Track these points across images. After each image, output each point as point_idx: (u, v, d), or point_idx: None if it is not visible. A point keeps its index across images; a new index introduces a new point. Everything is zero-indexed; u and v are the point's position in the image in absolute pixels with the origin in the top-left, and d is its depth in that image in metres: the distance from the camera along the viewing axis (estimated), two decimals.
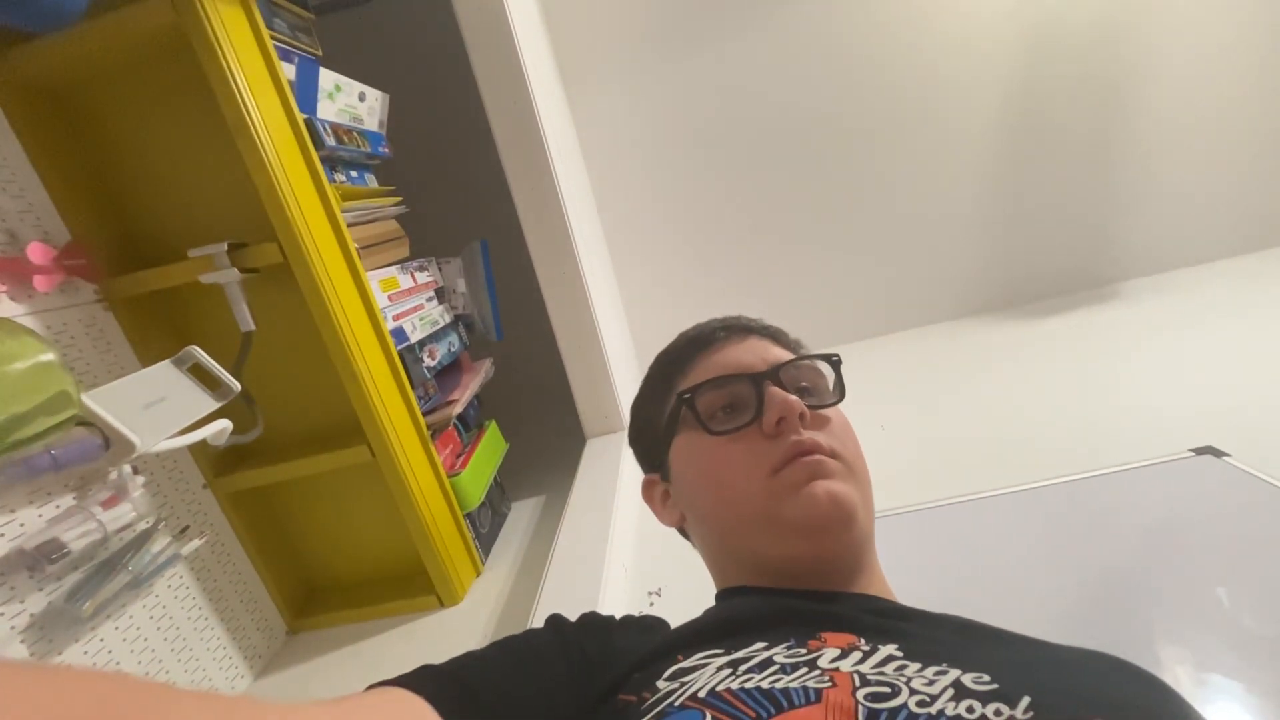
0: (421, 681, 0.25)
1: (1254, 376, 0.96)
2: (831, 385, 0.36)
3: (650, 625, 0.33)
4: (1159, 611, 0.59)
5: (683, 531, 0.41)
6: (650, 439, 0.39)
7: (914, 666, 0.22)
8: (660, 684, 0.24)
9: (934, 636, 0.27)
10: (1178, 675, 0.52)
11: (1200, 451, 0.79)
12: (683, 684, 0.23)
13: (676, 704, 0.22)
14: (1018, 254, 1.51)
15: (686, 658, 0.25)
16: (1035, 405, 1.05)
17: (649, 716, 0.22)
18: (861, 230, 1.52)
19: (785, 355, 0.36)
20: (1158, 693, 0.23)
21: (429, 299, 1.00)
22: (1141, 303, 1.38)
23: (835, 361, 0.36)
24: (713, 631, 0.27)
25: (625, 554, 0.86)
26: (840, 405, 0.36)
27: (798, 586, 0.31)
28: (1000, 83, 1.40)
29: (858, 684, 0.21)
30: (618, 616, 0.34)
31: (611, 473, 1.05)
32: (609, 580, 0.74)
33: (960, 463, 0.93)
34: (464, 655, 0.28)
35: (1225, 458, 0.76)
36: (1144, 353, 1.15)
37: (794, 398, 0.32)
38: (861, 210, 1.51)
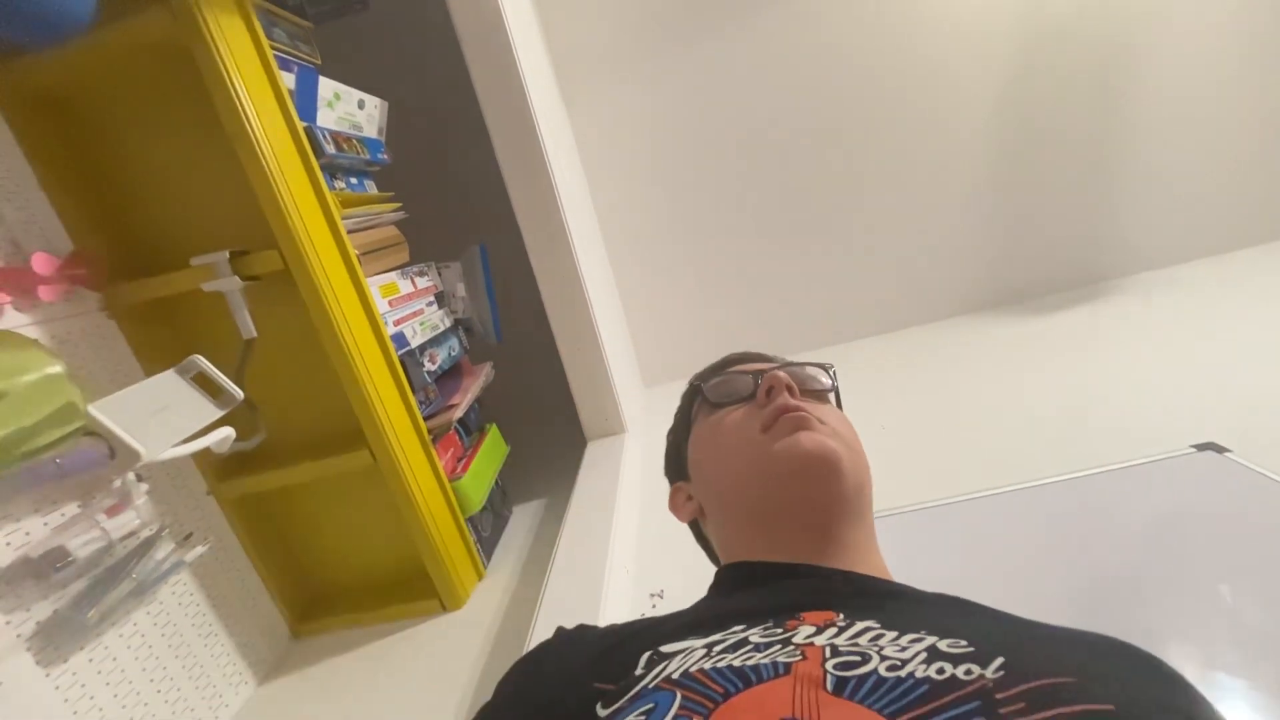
0: None
1: (1255, 372, 0.96)
2: (826, 384, 0.40)
3: (614, 628, 0.33)
4: (1162, 608, 0.59)
5: (697, 530, 0.44)
6: (676, 445, 0.44)
7: (890, 635, 0.22)
8: (638, 671, 0.24)
9: (918, 610, 0.27)
10: (1182, 672, 0.52)
11: (1202, 448, 0.79)
12: (660, 668, 0.23)
13: (650, 686, 0.22)
14: (1017, 251, 1.51)
15: (666, 644, 0.26)
16: (1036, 402, 1.05)
17: (625, 698, 0.22)
18: (860, 228, 1.52)
19: None
20: (1148, 669, 0.23)
21: (429, 304, 1.00)
22: (1141, 298, 1.38)
23: (829, 367, 0.42)
24: (696, 620, 0.28)
25: (627, 556, 0.86)
26: (842, 410, 0.41)
27: (794, 559, 0.32)
28: (997, 80, 1.40)
29: (828, 655, 0.21)
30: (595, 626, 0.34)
31: (612, 475, 1.05)
32: (611, 582, 0.74)
33: (961, 461, 0.93)
34: None
35: (1227, 453, 0.76)
36: (1145, 349, 1.15)
37: (782, 373, 0.36)
38: (860, 208, 1.51)
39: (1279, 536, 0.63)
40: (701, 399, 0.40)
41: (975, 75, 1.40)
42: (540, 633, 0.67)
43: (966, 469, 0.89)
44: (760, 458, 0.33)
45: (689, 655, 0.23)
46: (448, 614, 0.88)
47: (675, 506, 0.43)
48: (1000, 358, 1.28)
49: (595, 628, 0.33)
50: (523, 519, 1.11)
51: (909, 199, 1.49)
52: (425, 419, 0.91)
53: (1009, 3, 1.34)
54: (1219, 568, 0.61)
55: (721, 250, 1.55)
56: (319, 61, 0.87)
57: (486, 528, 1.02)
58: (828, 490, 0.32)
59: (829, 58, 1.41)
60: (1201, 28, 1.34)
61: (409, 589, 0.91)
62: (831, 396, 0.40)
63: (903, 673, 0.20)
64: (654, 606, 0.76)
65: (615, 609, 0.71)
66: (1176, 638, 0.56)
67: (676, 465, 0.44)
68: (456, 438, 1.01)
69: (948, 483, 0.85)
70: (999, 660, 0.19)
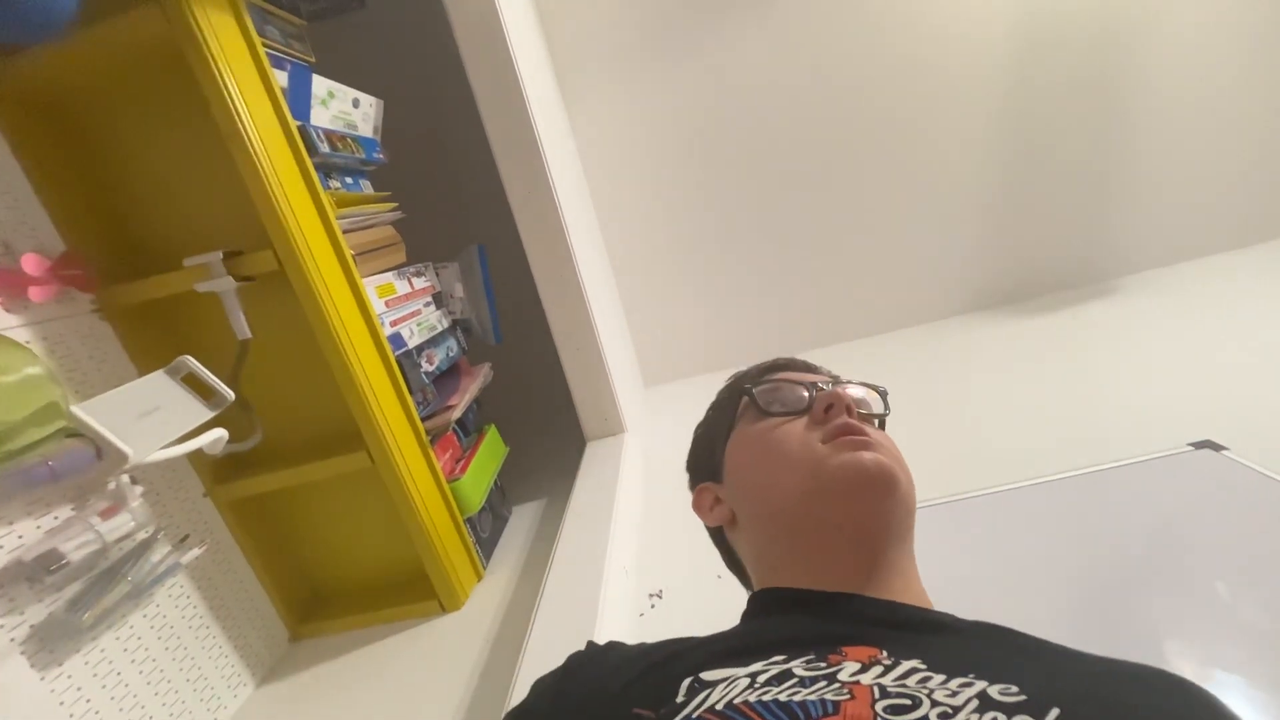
0: None
1: (1252, 370, 0.96)
2: (879, 410, 0.40)
3: (646, 649, 0.33)
4: (1159, 606, 0.59)
5: (721, 540, 0.43)
6: (709, 444, 0.42)
7: (938, 678, 0.22)
8: (679, 699, 0.24)
9: (963, 647, 0.26)
10: (1179, 670, 0.52)
11: (1199, 446, 0.79)
12: (702, 697, 0.23)
13: (693, 717, 0.22)
14: (1015, 250, 1.51)
15: (706, 670, 0.25)
16: (1033, 401, 1.05)
17: None
18: (859, 228, 1.52)
19: None
20: (1203, 707, 0.22)
21: (426, 304, 1.00)
22: (1139, 298, 1.38)
23: (883, 391, 0.40)
24: (735, 647, 0.27)
25: (626, 556, 0.86)
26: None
27: (834, 588, 0.31)
28: (996, 81, 1.40)
29: (877, 696, 0.21)
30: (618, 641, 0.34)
31: (612, 475, 1.05)
32: (610, 583, 0.74)
33: (958, 460, 0.93)
34: None
35: (1224, 451, 0.76)
36: (1142, 347, 1.15)
37: (842, 390, 0.36)
38: (859, 208, 1.51)
39: (1276, 534, 0.63)
40: (750, 402, 0.39)
41: (975, 77, 1.40)
42: (539, 633, 0.66)
43: (965, 468, 0.89)
44: (818, 473, 0.32)
45: (732, 685, 0.23)
46: (447, 615, 0.88)
47: (701, 508, 0.42)
48: (999, 357, 1.29)
49: (626, 645, 0.33)
50: (522, 520, 1.11)
51: (909, 199, 1.49)
52: (423, 420, 0.90)
53: (1008, 5, 1.34)
54: (1216, 565, 0.61)
55: (721, 250, 1.55)
56: (313, 60, 0.86)
57: (485, 528, 1.01)
58: (882, 510, 0.31)
59: (828, 58, 1.40)
60: (1200, 28, 1.34)
61: (408, 590, 0.91)
62: (876, 421, 0.39)
63: None
64: (653, 606, 0.76)
65: (614, 610, 0.71)
66: (1174, 635, 0.56)
67: (708, 465, 0.42)
68: (455, 438, 1.00)
69: (946, 482, 0.85)
70: (1054, 713, 0.19)
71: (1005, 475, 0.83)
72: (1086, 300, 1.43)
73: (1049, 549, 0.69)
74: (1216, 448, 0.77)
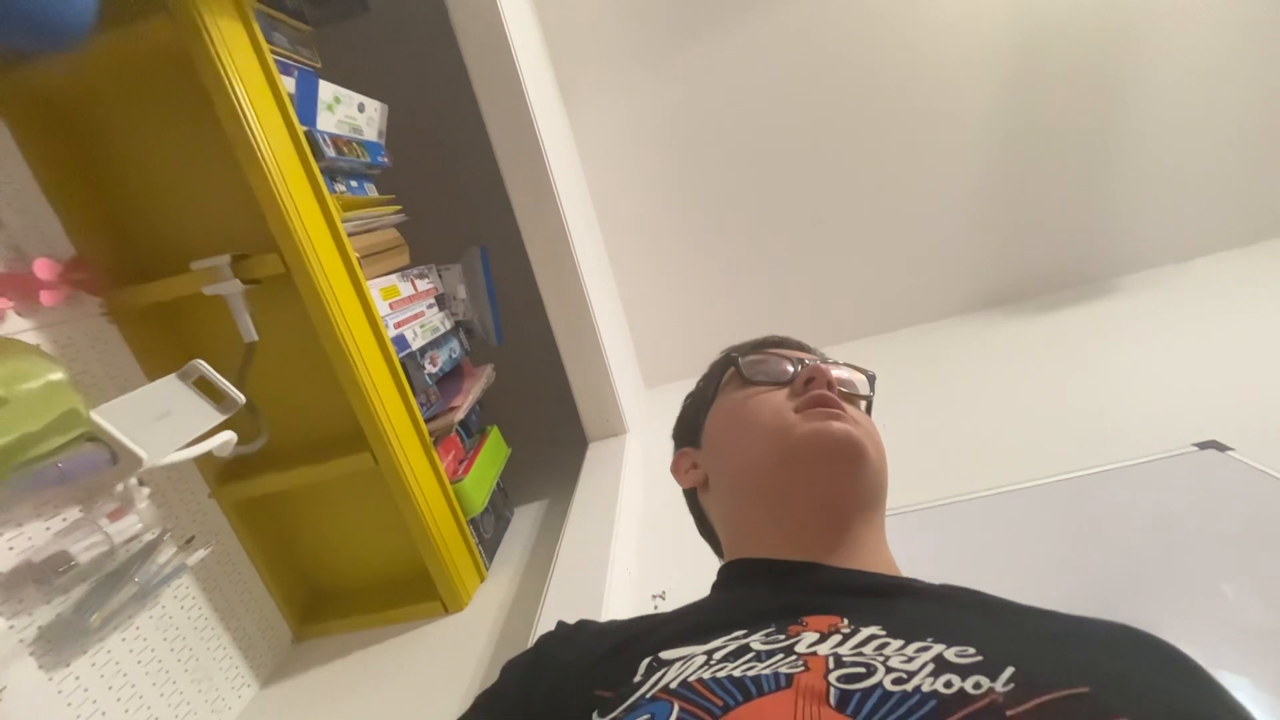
0: None
1: (1257, 370, 0.96)
2: (864, 391, 0.40)
3: (616, 625, 0.33)
4: (1163, 607, 0.59)
5: (695, 503, 0.43)
6: (694, 411, 0.43)
7: (895, 644, 0.22)
8: (636, 679, 0.24)
9: (924, 610, 0.27)
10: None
11: (1204, 446, 0.78)
12: (658, 676, 0.23)
13: (648, 696, 0.22)
14: (1017, 250, 1.51)
15: (666, 649, 0.25)
16: (1037, 402, 1.05)
17: (622, 708, 0.22)
18: (860, 228, 1.52)
19: None
20: (1168, 662, 0.22)
21: (429, 306, 1.00)
22: (1142, 297, 1.38)
23: (871, 375, 0.41)
24: (699, 623, 0.28)
25: (629, 557, 0.86)
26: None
27: (800, 557, 0.31)
28: (997, 79, 1.40)
29: (831, 666, 0.21)
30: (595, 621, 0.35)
31: (614, 476, 1.05)
32: (613, 583, 0.74)
33: (962, 461, 0.92)
34: None
35: (1229, 452, 0.76)
36: (1146, 347, 1.14)
37: (825, 366, 0.36)
38: (859, 208, 1.51)
39: None
40: (735, 371, 0.40)
41: (974, 74, 1.40)
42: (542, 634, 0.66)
43: (968, 469, 0.89)
44: (786, 439, 0.33)
45: (688, 663, 0.23)
46: (450, 616, 0.88)
47: (677, 471, 0.43)
48: (1000, 357, 1.28)
49: (596, 623, 0.33)
50: (524, 520, 1.11)
51: (909, 198, 1.49)
52: (426, 421, 0.91)
53: (1008, 1, 1.34)
54: (1221, 566, 0.61)
55: (722, 251, 1.55)
56: (319, 65, 0.87)
57: (488, 529, 1.02)
58: (848, 479, 0.32)
59: (828, 57, 1.41)
60: (1201, 25, 1.34)
61: (411, 591, 0.91)
62: (862, 404, 0.40)
63: (909, 686, 0.19)
64: (655, 608, 0.76)
65: (617, 610, 0.71)
66: (1179, 636, 0.56)
67: (690, 430, 0.43)
68: (458, 439, 1.01)
69: (948, 483, 0.85)
70: (1009, 671, 0.19)
71: (1008, 476, 0.83)
72: (1089, 299, 1.42)
73: (1053, 550, 0.69)
74: (1221, 448, 0.77)
